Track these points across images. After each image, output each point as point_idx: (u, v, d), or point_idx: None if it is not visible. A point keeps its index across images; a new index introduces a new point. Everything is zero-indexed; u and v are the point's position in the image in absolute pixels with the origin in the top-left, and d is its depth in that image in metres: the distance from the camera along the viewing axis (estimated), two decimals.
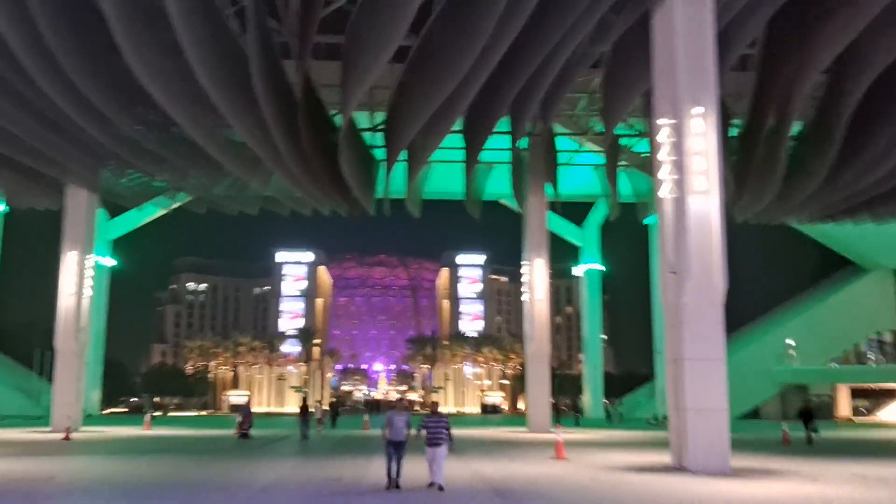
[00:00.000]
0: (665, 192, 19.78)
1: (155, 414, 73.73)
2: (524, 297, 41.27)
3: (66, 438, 30.32)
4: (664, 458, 21.66)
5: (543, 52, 25.93)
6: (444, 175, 48.79)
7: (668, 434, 19.61)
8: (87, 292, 38.65)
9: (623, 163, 43.96)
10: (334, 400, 76.35)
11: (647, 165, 45.85)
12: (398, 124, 33.33)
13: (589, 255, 68.59)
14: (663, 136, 19.96)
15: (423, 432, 14.76)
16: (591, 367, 67.24)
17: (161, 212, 65.72)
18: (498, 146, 41.35)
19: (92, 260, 39.57)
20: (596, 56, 31.10)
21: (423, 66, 29.67)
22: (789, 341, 67.76)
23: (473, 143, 37.61)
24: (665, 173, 19.84)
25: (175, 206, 62.93)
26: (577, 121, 41.55)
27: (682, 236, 19.04)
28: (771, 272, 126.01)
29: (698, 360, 18.70)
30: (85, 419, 58.71)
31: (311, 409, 34.81)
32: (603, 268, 69.76)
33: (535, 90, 33.16)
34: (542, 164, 39.85)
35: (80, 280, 37.88)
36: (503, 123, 38.21)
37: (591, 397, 67.05)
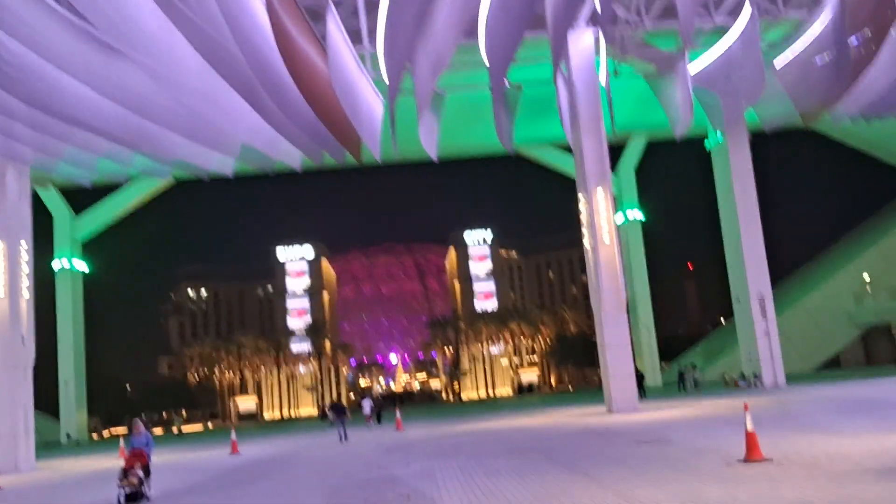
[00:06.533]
0: None
1: (171, 428, 65.31)
2: (585, 243, 32.47)
3: None
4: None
5: None
6: (460, 123, 40.94)
7: None
8: (25, 292, 29.85)
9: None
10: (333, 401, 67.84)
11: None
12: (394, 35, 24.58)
13: (628, 203, 59.54)
14: None
15: None
16: (644, 329, 58.27)
17: (131, 203, 57.48)
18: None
19: (27, 250, 30.53)
20: None
21: None
22: (865, 276, 58.77)
23: (500, 55, 28.80)
24: None
25: (141, 191, 54.78)
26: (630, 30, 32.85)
27: None
28: (836, 196, 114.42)
29: None
30: (68, 447, 50.20)
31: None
32: (642, 216, 60.80)
33: None
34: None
35: (10, 276, 29.07)
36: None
37: (648, 363, 58.18)
